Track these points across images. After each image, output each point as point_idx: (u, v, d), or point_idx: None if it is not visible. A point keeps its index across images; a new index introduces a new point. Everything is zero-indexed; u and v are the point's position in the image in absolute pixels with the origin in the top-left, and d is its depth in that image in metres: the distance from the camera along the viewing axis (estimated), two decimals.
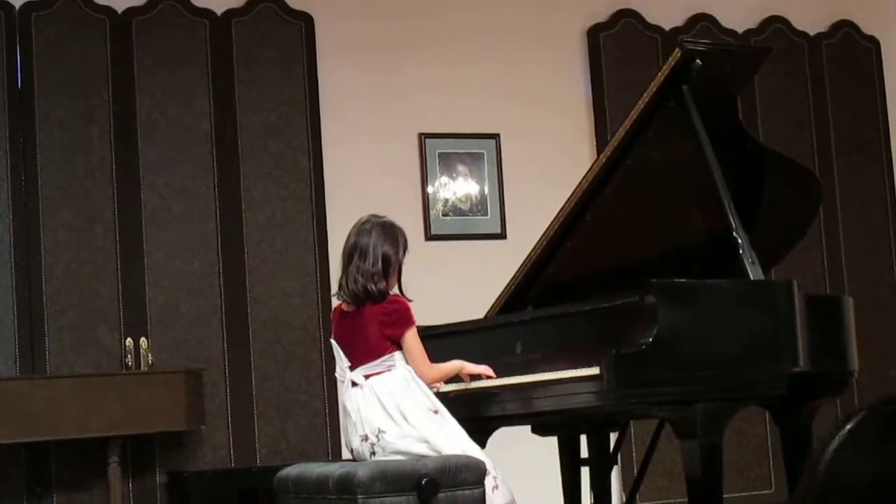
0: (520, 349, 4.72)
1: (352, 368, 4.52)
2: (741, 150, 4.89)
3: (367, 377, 4.48)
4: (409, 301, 4.57)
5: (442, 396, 4.60)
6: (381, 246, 4.53)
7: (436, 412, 4.48)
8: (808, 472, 1.36)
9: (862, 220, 8.45)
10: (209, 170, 7.18)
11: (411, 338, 4.52)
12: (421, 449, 4.39)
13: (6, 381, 6.40)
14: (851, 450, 1.32)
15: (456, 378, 4.71)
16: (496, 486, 4.40)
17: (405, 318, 4.51)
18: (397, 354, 4.51)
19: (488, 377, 4.65)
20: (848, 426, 1.37)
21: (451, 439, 4.43)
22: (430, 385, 4.56)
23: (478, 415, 4.71)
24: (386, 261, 4.52)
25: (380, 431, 4.42)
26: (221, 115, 7.24)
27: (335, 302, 4.72)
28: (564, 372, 4.34)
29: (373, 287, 4.48)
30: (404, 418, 4.42)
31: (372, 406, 4.45)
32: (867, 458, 1.30)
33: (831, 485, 1.30)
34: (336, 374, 4.65)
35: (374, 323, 4.49)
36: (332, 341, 4.65)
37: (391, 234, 4.59)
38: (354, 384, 4.51)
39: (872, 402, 1.43)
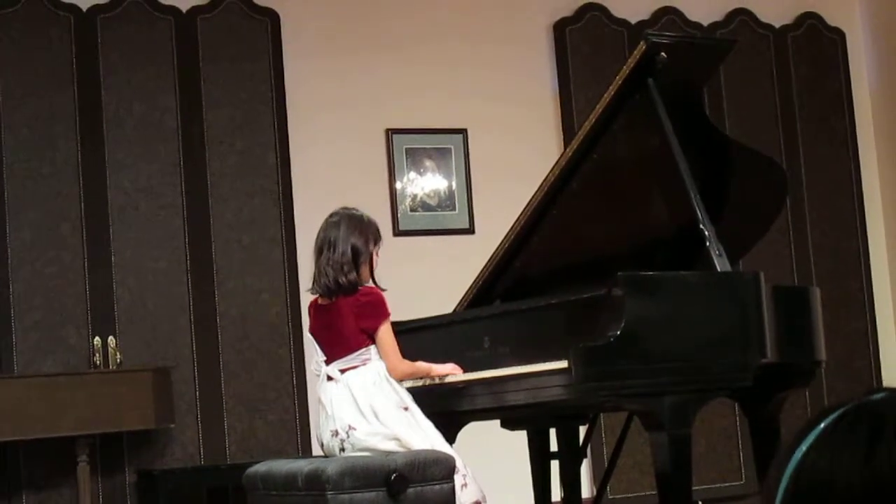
0: (487, 343, 4.73)
1: (327, 362, 4.52)
2: (707, 142, 4.91)
3: (342, 371, 4.48)
4: (384, 291, 4.57)
5: (411, 391, 4.60)
6: (349, 238, 4.53)
7: (406, 409, 4.48)
8: (775, 472, 1.22)
9: (829, 211, 8.48)
10: (176, 167, 7.15)
11: (385, 331, 4.51)
12: (390, 446, 4.39)
13: None
14: (827, 451, 1.19)
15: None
16: (465, 485, 4.40)
17: (379, 311, 4.51)
18: (373, 348, 4.51)
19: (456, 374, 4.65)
20: (822, 423, 1.21)
21: (421, 437, 4.43)
22: (398, 381, 4.56)
23: (447, 409, 4.71)
24: (355, 252, 4.52)
25: (350, 428, 4.42)
26: (187, 113, 7.21)
27: (306, 298, 4.72)
28: (533, 366, 4.34)
29: (343, 278, 4.48)
30: (375, 416, 4.42)
31: (345, 402, 4.44)
32: (846, 462, 1.17)
33: (801, 490, 1.18)
34: (312, 368, 4.64)
35: (349, 315, 4.48)
36: (309, 335, 4.65)
37: (359, 225, 4.59)
38: (330, 378, 4.50)
39: (848, 398, 1.24)
